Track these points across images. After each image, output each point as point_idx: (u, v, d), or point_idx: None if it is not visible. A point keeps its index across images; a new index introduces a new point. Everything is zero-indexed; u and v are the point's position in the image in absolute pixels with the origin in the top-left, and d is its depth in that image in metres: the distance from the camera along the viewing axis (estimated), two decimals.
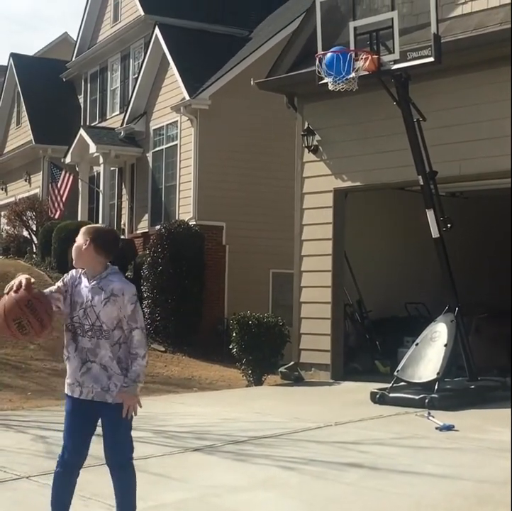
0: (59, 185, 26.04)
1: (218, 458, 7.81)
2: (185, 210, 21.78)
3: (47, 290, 5.08)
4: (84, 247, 5.08)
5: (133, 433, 9.30)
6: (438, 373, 11.01)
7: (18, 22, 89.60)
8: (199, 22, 24.68)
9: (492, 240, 16.80)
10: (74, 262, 5.16)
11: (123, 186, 26.21)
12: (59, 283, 5.14)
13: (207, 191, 21.30)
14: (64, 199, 25.93)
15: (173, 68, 22.69)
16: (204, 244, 19.96)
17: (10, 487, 6.77)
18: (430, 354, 11.27)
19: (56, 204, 26.02)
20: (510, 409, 9.79)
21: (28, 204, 27.34)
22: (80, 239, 5.12)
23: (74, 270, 5.18)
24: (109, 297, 5.00)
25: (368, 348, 14.97)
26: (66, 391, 5.14)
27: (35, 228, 27.01)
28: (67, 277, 5.16)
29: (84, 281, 5.10)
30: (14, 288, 4.83)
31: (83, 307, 5.03)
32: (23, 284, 4.83)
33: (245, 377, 14.59)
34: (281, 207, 19.94)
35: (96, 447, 8.39)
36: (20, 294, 4.78)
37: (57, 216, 25.57)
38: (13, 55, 33.07)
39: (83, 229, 5.19)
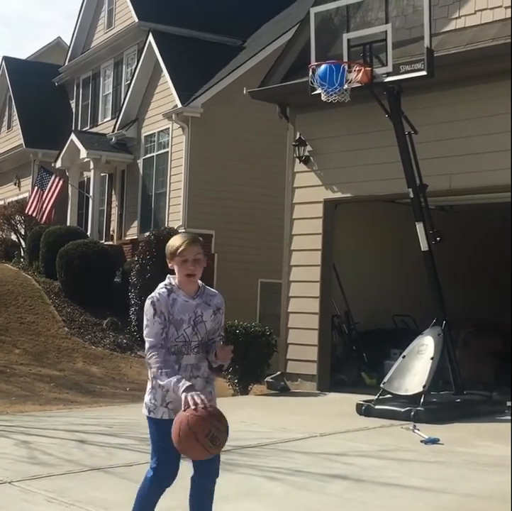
0: (47, 189, 25.89)
1: None
2: (175, 217, 21.76)
3: (160, 334, 4.74)
4: (204, 260, 4.89)
5: (117, 440, 9.25)
6: (424, 386, 11.00)
7: (8, 25, 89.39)
8: (193, 30, 24.71)
9: (481, 254, 16.84)
10: (196, 276, 4.82)
11: (113, 192, 26.18)
12: (158, 319, 4.75)
13: (197, 199, 21.30)
14: (51, 203, 25.70)
15: (166, 75, 22.70)
16: None
17: None
18: (416, 367, 11.26)
19: (43, 208, 25.77)
20: (496, 423, 9.78)
21: (17, 207, 27.27)
22: (201, 251, 4.82)
23: (157, 293, 4.81)
24: (215, 311, 4.87)
25: (355, 360, 14.95)
26: (164, 416, 4.78)
27: (23, 233, 26.93)
28: (158, 305, 4.77)
29: (182, 297, 4.82)
30: (193, 407, 4.52)
31: (191, 324, 4.81)
32: (206, 403, 4.56)
33: (231, 387, 14.55)
34: (270, 217, 19.96)
35: (75, 452, 8.36)
36: (209, 410, 4.55)
37: (43, 221, 25.32)
38: (6, 59, 33.08)
39: (195, 240, 4.83)
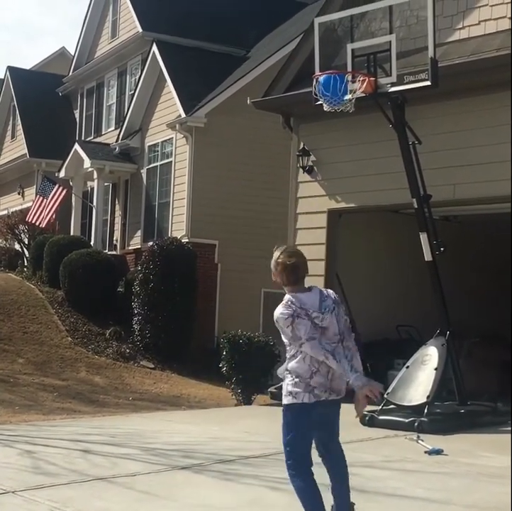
0: (50, 197, 25.73)
1: (206, 476, 7.75)
2: (178, 227, 21.77)
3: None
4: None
5: (121, 450, 9.23)
6: (428, 397, 10.97)
7: (12, 32, 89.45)
8: (197, 40, 24.77)
9: (485, 264, 16.81)
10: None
11: (117, 202, 26.20)
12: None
13: (200, 209, 21.31)
14: (53, 209, 25.43)
15: (169, 85, 22.74)
16: (196, 262, 19.93)
17: None
18: (420, 377, 11.24)
19: (44, 214, 25.49)
20: (501, 435, 9.75)
21: (21, 217, 27.24)
22: None
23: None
24: None
25: None
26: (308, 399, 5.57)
27: (27, 242, 26.93)
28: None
29: None
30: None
31: None
32: None
33: (234, 397, 14.52)
34: (274, 227, 19.93)
35: (79, 461, 8.34)
36: None
37: (43, 226, 25.08)
38: (10, 68, 33.15)
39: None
